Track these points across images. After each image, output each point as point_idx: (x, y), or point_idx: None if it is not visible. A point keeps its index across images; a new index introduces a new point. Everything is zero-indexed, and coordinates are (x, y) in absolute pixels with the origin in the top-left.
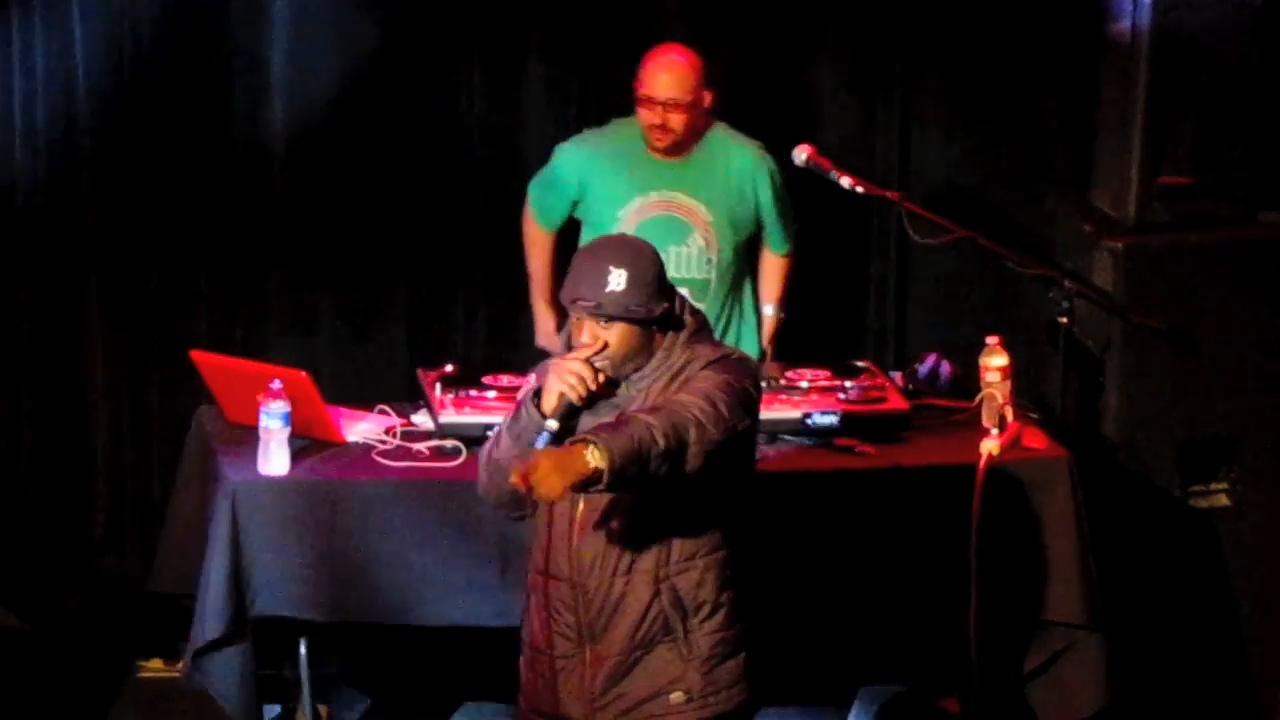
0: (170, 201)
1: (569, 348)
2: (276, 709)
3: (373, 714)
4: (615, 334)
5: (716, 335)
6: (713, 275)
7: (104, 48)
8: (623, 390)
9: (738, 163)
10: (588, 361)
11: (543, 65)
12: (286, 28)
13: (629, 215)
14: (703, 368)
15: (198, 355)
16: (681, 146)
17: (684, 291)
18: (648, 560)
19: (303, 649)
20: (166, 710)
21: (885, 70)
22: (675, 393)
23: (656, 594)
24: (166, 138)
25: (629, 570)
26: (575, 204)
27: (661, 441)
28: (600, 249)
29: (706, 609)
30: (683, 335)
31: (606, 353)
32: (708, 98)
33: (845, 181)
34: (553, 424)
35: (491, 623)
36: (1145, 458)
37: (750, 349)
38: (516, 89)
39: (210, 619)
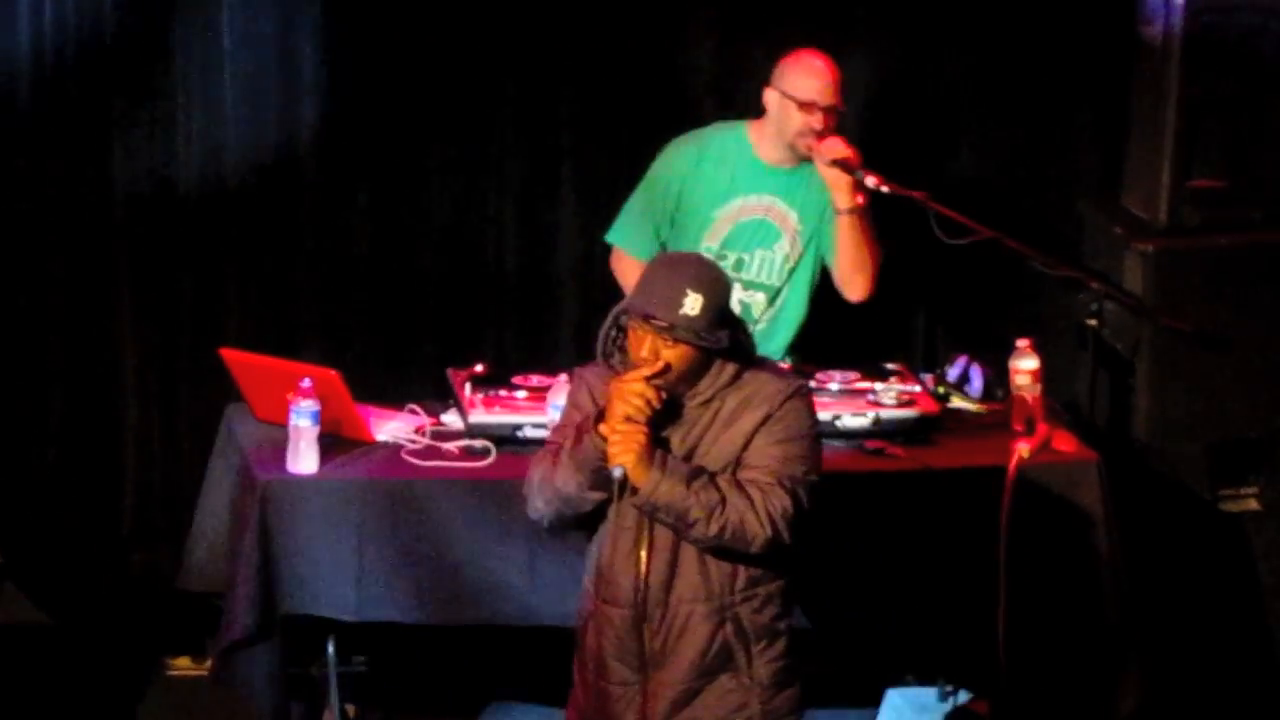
0: (201, 198)
1: (608, 354)
2: (304, 707)
3: (400, 713)
4: (678, 355)
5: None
6: (786, 285)
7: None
8: (691, 410)
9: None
10: (649, 381)
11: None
12: (320, 29)
13: (725, 216)
14: (782, 403)
15: (227, 353)
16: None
17: (759, 297)
18: (715, 588)
19: (331, 648)
20: (195, 708)
21: (916, 70)
22: (762, 444)
23: (722, 622)
24: (197, 135)
25: (695, 599)
26: (673, 212)
27: (712, 530)
28: (677, 267)
29: (767, 637)
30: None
31: (667, 373)
32: None
33: (870, 181)
34: (618, 471)
35: (519, 622)
36: (1175, 461)
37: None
38: (551, 106)
39: (239, 617)
